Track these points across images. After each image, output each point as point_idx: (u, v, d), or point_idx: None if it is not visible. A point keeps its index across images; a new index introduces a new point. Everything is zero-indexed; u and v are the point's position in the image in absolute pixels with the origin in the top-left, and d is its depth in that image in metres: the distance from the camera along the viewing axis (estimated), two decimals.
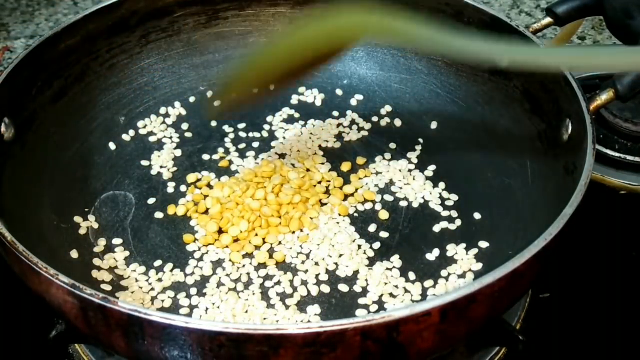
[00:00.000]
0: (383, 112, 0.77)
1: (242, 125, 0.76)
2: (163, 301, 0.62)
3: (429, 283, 0.63)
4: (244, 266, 0.64)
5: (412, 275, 0.63)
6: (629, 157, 0.75)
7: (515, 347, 0.58)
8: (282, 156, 0.73)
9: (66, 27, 0.70)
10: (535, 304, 0.65)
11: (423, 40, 0.56)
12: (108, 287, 0.62)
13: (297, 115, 0.77)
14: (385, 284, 0.63)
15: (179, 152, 0.73)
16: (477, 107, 0.73)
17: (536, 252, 0.52)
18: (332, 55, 0.63)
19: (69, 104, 0.71)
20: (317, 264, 0.64)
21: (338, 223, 0.67)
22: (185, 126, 0.76)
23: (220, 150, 0.74)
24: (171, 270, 0.64)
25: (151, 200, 0.69)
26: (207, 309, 0.61)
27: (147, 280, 0.63)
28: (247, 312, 0.61)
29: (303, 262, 0.64)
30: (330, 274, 0.63)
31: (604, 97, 0.63)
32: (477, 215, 0.67)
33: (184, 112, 0.77)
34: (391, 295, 0.62)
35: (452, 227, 0.67)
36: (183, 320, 0.48)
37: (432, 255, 0.65)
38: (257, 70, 0.62)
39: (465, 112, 0.74)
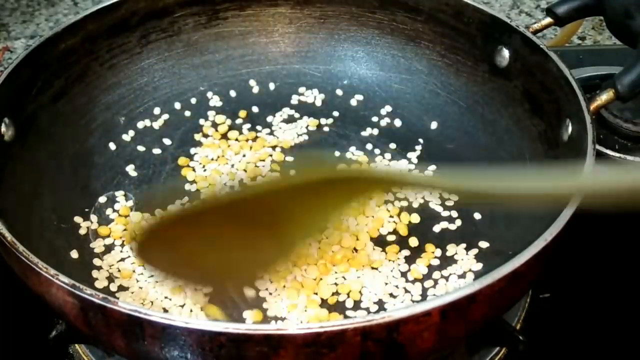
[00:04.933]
0: (383, 112, 0.76)
1: (242, 126, 0.76)
2: (163, 301, 0.62)
3: (429, 283, 0.63)
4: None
5: (411, 275, 0.63)
6: (629, 157, 0.75)
7: (515, 347, 0.58)
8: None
9: (66, 27, 0.70)
10: (535, 304, 0.65)
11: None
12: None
13: (297, 115, 0.77)
14: (386, 284, 0.63)
15: (178, 152, 0.73)
16: (477, 107, 0.73)
17: (536, 252, 0.52)
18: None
19: (69, 104, 0.71)
20: (316, 263, 0.64)
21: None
22: (185, 126, 0.76)
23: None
24: None
25: None
26: None
27: (147, 280, 0.63)
28: None
29: None
30: (330, 274, 0.63)
31: (604, 97, 0.63)
32: (477, 215, 0.67)
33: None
34: (391, 295, 0.62)
35: (452, 227, 0.67)
36: (183, 320, 0.48)
37: (433, 255, 0.65)
38: None
39: (465, 112, 0.74)
